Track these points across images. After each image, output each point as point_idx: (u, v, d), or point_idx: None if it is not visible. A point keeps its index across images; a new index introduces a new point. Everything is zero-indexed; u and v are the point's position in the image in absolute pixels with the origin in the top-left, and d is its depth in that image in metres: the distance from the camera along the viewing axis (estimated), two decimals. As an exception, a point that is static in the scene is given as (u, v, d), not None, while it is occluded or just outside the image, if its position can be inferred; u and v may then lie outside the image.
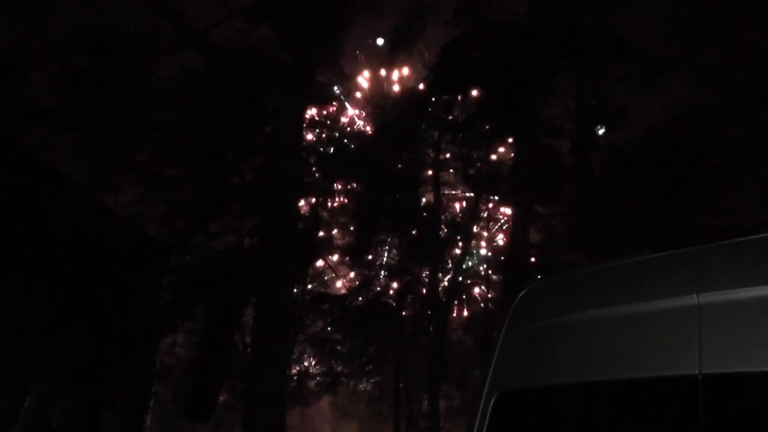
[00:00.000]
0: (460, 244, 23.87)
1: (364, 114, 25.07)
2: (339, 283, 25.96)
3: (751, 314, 2.17)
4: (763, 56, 12.23)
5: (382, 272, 24.27)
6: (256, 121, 18.29)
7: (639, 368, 2.40)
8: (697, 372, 2.21)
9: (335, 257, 24.57)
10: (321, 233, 23.28)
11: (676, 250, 2.56)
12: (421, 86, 21.43)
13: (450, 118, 20.86)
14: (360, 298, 23.42)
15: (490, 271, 24.03)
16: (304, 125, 19.60)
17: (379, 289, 24.23)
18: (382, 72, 25.94)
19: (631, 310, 2.53)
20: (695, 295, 2.33)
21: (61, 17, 15.02)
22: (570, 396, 2.68)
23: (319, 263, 24.31)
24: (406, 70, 25.52)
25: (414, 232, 21.93)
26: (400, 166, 21.37)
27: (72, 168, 15.66)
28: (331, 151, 21.73)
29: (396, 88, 25.78)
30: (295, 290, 19.73)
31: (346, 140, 22.87)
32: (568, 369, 2.70)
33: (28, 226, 9.78)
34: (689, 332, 2.29)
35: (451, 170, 23.51)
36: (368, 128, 24.16)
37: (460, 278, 24.17)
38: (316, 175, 21.12)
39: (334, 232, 23.94)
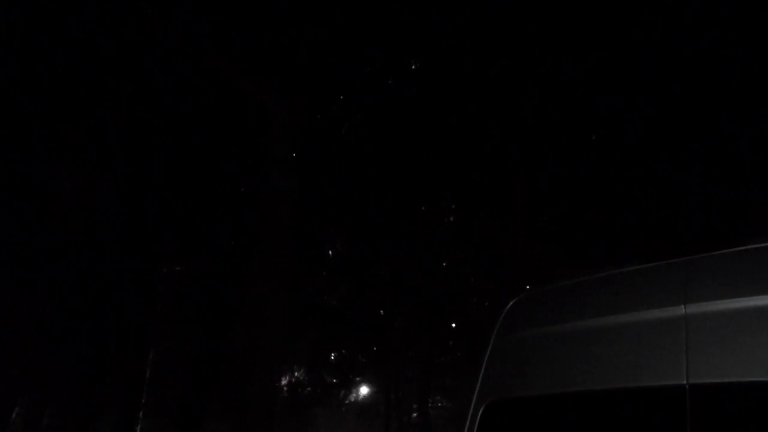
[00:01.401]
0: (452, 254, 23.85)
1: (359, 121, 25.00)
2: (331, 295, 25.86)
3: (738, 324, 2.18)
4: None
5: (374, 283, 24.20)
6: (246, 129, 18.23)
7: (626, 378, 2.41)
8: (684, 382, 2.22)
9: (328, 268, 24.48)
10: (315, 244, 23.19)
11: (664, 261, 2.58)
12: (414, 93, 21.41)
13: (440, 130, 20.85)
14: (351, 310, 23.35)
15: (480, 282, 24.02)
16: (298, 134, 19.51)
17: (370, 299, 24.16)
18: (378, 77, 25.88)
19: (618, 320, 2.55)
20: (683, 306, 2.34)
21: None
22: (558, 406, 2.69)
23: (312, 274, 24.21)
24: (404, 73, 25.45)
25: (407, 243, 21.89)
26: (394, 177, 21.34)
27: (65, 172, 15.54)
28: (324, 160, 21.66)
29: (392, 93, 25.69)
30: (287, 301, 19.61)
31: (341, 149, 22.80)
32: (557, 379, 2.71)
33: (19, 235, 9.74)
34: (677, 342, 2.30)
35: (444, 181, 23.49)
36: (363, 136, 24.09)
37: (451, 289, 24.13)
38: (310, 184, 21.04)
39: (328, 243, 23.87)
